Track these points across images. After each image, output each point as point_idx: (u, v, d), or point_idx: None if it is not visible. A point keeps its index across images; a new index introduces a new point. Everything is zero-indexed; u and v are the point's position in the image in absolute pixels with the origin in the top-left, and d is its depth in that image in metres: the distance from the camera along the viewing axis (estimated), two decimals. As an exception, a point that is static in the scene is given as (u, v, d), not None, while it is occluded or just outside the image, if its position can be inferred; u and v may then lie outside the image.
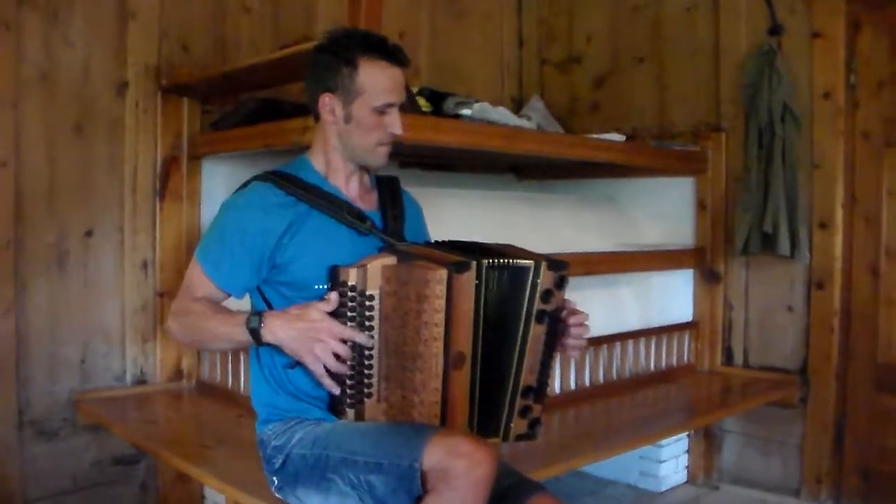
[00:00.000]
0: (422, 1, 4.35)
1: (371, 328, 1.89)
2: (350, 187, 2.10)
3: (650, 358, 3.81)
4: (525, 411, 1.97)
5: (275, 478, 2.01)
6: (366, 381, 1.91)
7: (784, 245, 3.57)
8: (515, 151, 3.26)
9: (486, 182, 4.45)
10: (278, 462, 1.99)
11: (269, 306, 2.02)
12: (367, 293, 1.89)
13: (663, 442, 3.83)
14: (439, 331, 1.82)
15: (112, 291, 3.29)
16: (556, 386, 3.33)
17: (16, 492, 3.01)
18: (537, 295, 1.91)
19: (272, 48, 3.56)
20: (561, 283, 1.93)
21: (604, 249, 3.72)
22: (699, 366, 4.04)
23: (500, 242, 2.08)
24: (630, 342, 3.70)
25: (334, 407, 1.94)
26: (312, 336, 1.84)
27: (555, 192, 4.50)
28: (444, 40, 4.45)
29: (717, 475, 4.01)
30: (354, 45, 1.99)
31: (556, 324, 1.97)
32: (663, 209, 4.17)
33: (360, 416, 1.92)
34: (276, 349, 1.93)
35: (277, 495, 2.03)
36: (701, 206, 4.03)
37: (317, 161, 2.10)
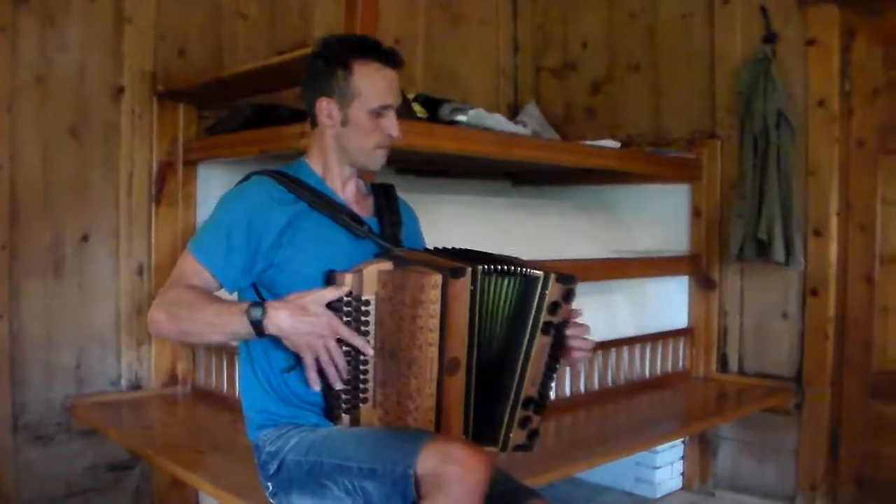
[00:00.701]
0: (418, 7, 4.37)
1: (367, 333, 1.89)
2: (347, 192, 2.10)
3: (645, 364, 3.81)
4: (525, 422, 1.97)
5: (269, 483, 2.01)
6: (361, 386, 1.90)
7: (779, 252, 3.58)
8: (511, 158, 3.26)
9: (481, 188, 4.45)
10: (273, 468, 1.98)
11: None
12: (363, 298, 1.88)
13: (658, 448, 3.83)
14: (434, 336, 1.82)
15: (107, 296, 3.29)
16: (551, 392, 3.33)
17: (10, 496, 3.00)
18: (545, 306, 1.91)
19: (268, 54, 3.56)
20: (568, 296, 1.94)
21: (599, 256, 3.73)
22: (694, 372, 4.05)
23: (508, 254, 2.06)
24: (625, 349, 3.70)
25: (330, 412, 1.94)
26: (317, 331, 1.82)
27: (550, 198, 4.50)
28: (439, 47, 4.46)
29: (713, 481, 4.01)
30: (349, 49, 2.00)
31: (562, 336, 1.98)
32: (658, 216, 4.18)
33: (355, 422, 1.92)
34: (274, 347, 1.93)
35: (272, 501, 2.02)
36: (696, 212, 4.04)
37: (314, 165, 2.10)
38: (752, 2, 3.83)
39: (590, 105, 4.59)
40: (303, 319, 1.82)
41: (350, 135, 2.03)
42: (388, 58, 2.02)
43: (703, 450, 4.01)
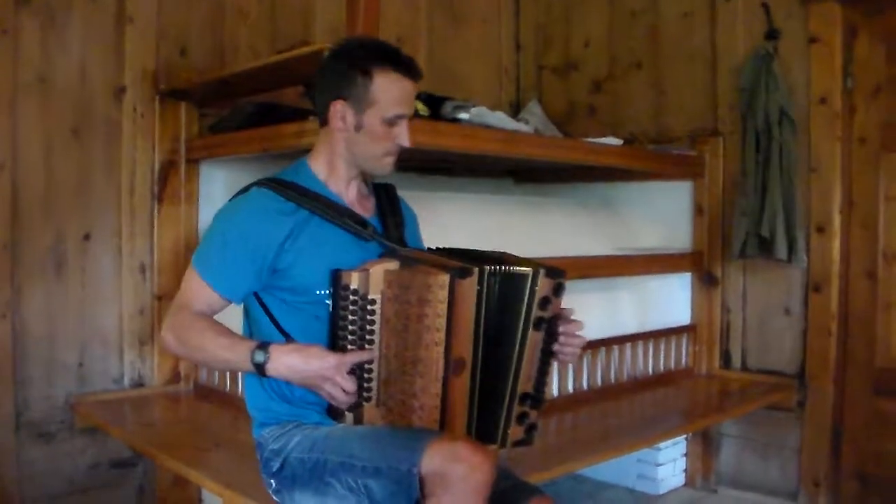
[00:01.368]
0: (420, 5, 4.37)
1: (372, 332, 1.89)
2: (349, 193, 2.11)
3: (648, 361, 3.81)
4: (522, 418, 1.98)
5: (272, 481, 2.01)
6: (365, 385, 1.91)
7: (781, 249, 3.57)
8: (513, 155, 3.26)
9: (483, 186, 4.45)
10: (276, 465, 1.99)
11: (267, 312, 2.02)
12: (369, 297, 1.89)
13: (661, 445, 3.83)
14: (440, 336, 1.82)
15: (110, 295, 3.29)
16: (554, 389, 3.33)
17: (13, 494, 3.01)
18: (535, 302, 1.92)
19: (270, 53, 3.56)
20: (558, 291, 1.95)
21: (601, 253, 3.72)
22: (697, 369, 4.04)
23: (494, 250, 2.08)
24: (628, 345, 3.70)
25: (333, 411, 1.94)
26: (321, 378, 1.85)
27: (552, 196, 4.50)
28: (441, 45, 4.46)
29: (715, 478, 4.01)
30: (370, 55, 2.01)
31: (554, 331, 1.98)
32: (661, 213, 4.18)
33: (358, 420, 1.92)
34: None
35: (275, 498, 2.03)
36: (698, 210, 4.04)
37: (317, 166, 2.10)
38: (753, -1, 3.83)
39: (592, 103, 4.59)
40: (303, 371, 1.86)
41: (362, 140, 2.03)
42: (408, 68, 2.04)
43: (705, 447, 4.01)
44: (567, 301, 2.00)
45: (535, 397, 1.98)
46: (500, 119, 3.18)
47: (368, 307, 1.89)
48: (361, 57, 2.01)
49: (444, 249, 2.07)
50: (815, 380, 3.68)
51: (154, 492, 3.33)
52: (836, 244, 3.63)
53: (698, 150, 4.01)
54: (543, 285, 1.91)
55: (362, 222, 2.04)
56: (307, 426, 2.00)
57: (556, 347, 2.01)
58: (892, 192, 3.57)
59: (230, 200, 2.08)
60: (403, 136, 2.04)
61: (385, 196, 2.22)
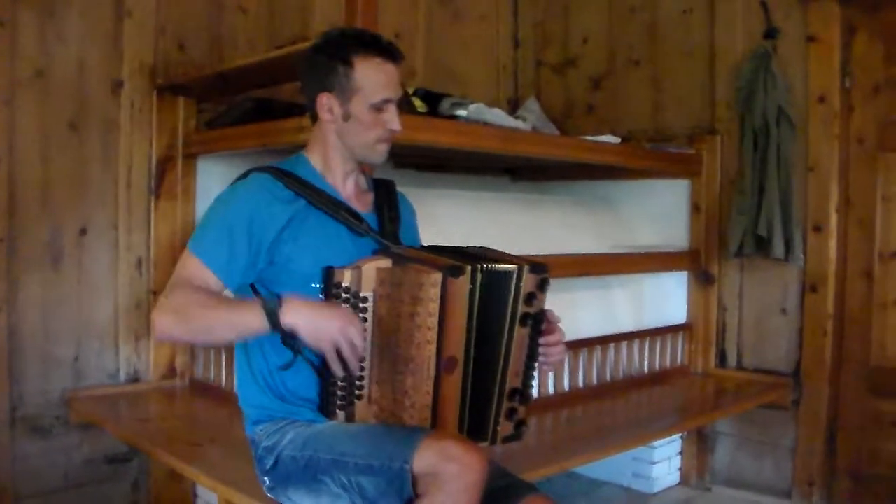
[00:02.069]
0: (418, 2, 4.36)
1: (364, 330, 1.88)
2: (347, 187, 2.10)
3: (644, 359, 3.81)
4: (511, 413, 1.98)
5: (266, 478, 2.01)
6: (357, 382, 1.90)
7: (778, 248, 3.58)
8: (511, 153, 3.26)
9: (480, 183, 4.45)
10: (269, 463, 1.98)
11: None
12: (361, 295, 1.89)
13: (656, 443, 3.84)
14: (432, 334, 1.82)
15: (106, 289, 3.29)
16: (549, 387, 3.34)
17: (7, 489, 3.01)
18: (521, 298, 1.92)
19: (268, 48, 3.56)
20: (543, 286, 1.95)
21: (598, 251, 3.73)
22: (693, 368, 4.05)
23: (476, 245, 2.07)
24: (624, 344, 3.70)
25: (325, 408, 1.94)
26: (338, 329, 1.79)
27: (549, 193, 4.50)
28: (439, 41, 4.46)
29: (710, 477, 4.02)
30: (349, 43, 2.00)
31: (539, 326, 1.98)
32: (658, 211, 4.18)
33: (350, 418, 1.92)
34: (270, 344, 1.93)
35: (270, 496, 2.03)
36: (695, 208, 4.04)
37: (314, 160, 2.09)
38: (752, -3, 3.83)
39: (590, 100, 4.58)
40: (322, 311, 1.82)
41: (351, 129, 2.02)
42: (389, 52, 2.02)
43: (700, 445, 4.01)
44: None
45: (523, 393, 1.98)
46: (498, 116, 3.18)
47: (360, 305, 1.89)
48: (340, 46, 2.00)
49: (426, 247, 2.08)
50: (810, 379, 3.69)
51: (149, 487, 3.32)
52: (833, 243, 3.64)
53: (696, 149, 4.01)
54: (528, 281, 1.91)
55: (358, 217, 2.03)
56: (300, 423, 1.99)
57: (538, 359, 2.01)
58: (889, 192, 3.58)
59: (230, 185, 2.06)
60: (393, 121, 2.03)
61: (384, 192, 2.21)
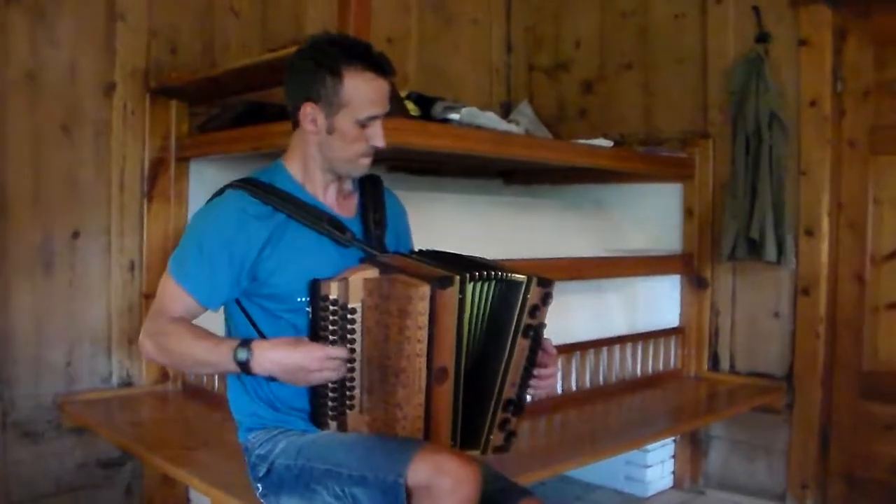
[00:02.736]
0: (411, 6, 4.36)
1: (353, 341, 1.86)
2: (328, 196, 2.05)
3: (637, 363, 3.81)
4: (504, 424, 1.96)
5: (259, 485, 2.00)
6: (348, 392, 1.89)
7: (771, 251, 3.59)
8: (503, 156, 3.26)
9: (473, 187, 4.45)
10: (262, 470, 1.97)
11: (250, 319, 1.99)
12: (350, 306, 1.85)
13: (649, 447, 3.84)
14: (422, 347, 1.79)
15: (98, 293, 3.28)
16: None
17: (-1, 494, 3.00)
18: (526, 310, 1.90)
19: (260, 51, 3.55)
20: (546, 299, 1.93)
21: (591, 255, 3.73)
22: (686, 371, 4.05)
23: (484, 255, 2.05)
24: (617, 347, 3.70)
25: (317, 418, 1.93)
26: (306, 371, 1.81)
27: (542, 197, 4.51)
28: (432, 45, 4.46)
29: (703, 480, 4.02)
30: (339, 54, 1.93)
31: (539, 339, 1.97)
32: (650, 215, 4.19)
33: (342, 427, 1.91)
34: None
35: (262, 501, 2.02)
36: (688, 212, 4.05)
37: (293, 168, 2.05)
38: (744, 2, 3.83)
39: (582, 104, 4.59)
40: (292, 356, 1.81)
41: (334, 143, 1.97)
42: (380, 66, 1.95)
43: (693, 449, 4.02)
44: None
45: (517, 404, 1.96)
46: (491, 120, 3.18)
47: (349, 316, 1.86)
48: (330, 56, 1.93)
49: (434, 253, 2.04)
50: (802, 382, 3.69)
51: (142, 491, 3.31)
52: (825, 247, 3.65)
53: (688, 153, 4.01)
54: (535, 294, 1.89)
55: (341, 227, 1.99)
56: (292, 432, 1.98)
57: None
58: (880, 196, 3.59)
59: (206, 203, 2.03)
60: (377, 137, 1.97)
61: (371, 189, 2.15)
